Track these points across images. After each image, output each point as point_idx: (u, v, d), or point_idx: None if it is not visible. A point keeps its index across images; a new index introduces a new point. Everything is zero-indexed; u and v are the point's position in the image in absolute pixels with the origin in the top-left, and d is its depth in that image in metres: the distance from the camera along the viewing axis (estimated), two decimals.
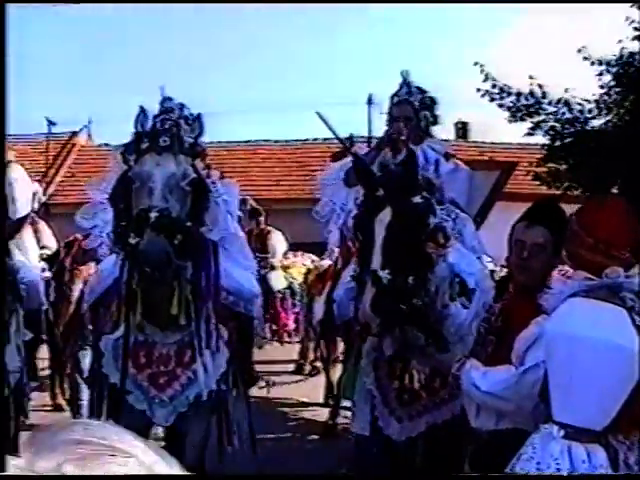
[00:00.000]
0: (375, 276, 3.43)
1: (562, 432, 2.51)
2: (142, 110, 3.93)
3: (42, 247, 6.52)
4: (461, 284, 3.97)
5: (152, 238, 3.50)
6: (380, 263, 3.46)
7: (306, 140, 16.62)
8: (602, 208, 2.95)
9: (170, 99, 4.64)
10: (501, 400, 2.97)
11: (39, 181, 8.62)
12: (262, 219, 10.31)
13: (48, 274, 6.13)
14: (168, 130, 3.90)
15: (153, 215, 3.56)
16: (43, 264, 6.19)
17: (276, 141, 19.04)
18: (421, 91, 4.60)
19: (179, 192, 3.71)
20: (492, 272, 10.02)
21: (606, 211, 2.88)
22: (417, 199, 3.65)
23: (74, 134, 19.17)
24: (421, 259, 3.62)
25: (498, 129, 18.21)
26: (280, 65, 35.02)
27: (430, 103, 4.61)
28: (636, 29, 7.88)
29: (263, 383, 4.96)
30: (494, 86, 8.35)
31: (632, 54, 8.11)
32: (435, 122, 4.66)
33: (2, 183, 3.67)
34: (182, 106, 4.63)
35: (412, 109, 4.55)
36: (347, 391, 4.77)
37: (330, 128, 4.18)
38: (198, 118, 4.12)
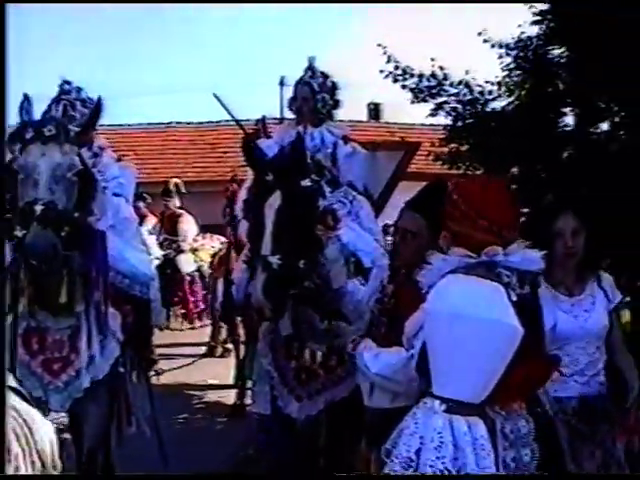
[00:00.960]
0: (265, 262, 3.48)
1: (444, 406, 2.58)
2: (26, 98, 3.88)
3: None
4: (357, 263, 4.05)
5: (38, 231, 3.49)
6: (270, 248, 3.51)
7: (219, 122, 16.49)
8: (488, 189, 3.03)
9: (68, 82, 4.61)
10: (390, 382, 3.06)
11: None
12: (174, 201, 10.25)
13: None
14: (53, 119, 3.87)
15: (38, 208, 3.54)
16: None
17: (188, 123, 18.88)
18: (324, 75, 4.67)
19: (65, 183, 3.69)
20: None
21: (494, 192, 2.96)
22: (306, 182, 3.71)
23: None
24: (311, 242, 3.69)
25: (411, 110, 18.44)
26: (195, 48, 34.64)
27: (331, 87, 4.67)
28: (535, 14, 8.06)
29: (160, 366, 4.98)
30: (397, 67, 8.44)
31: (531, 38, 8.30)
32: (336, 106, 4.73)
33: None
34: (79, 89, 4.61)
35: (310, 90, 4.61)
36: (248, 372, 4.82)
37: (227, 110, 4.20)
38: (98, 101, 4.09)
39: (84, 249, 3.84)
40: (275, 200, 3.60)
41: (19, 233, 3.54)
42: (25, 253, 3.55)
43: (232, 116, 4.24)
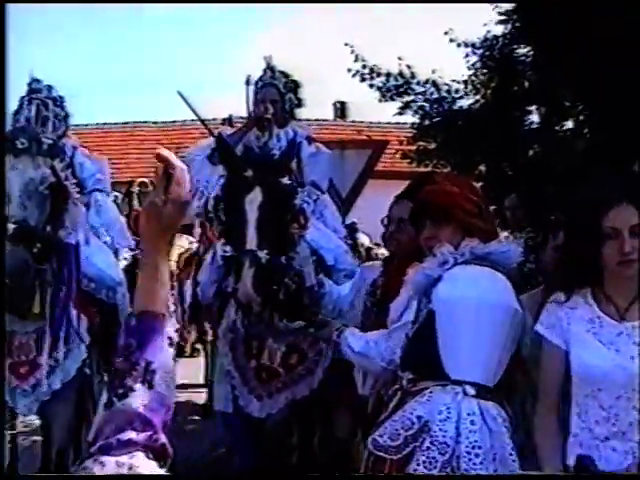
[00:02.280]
0: (254, 256, 3.48)
1: (472, 390, 2.53)
2: None
3: None
4: (319, 261, 4.07)
5: (10, 249, 3.51)
6: (256, 243, 3.51)
7: (184, 121, 16.40)
8: (459, 181, 3.09)
9: (38, 80, 4.55)
10: (371, 360, 3.06)
11: None
12: (135, 201, 10.16)
13: None
14: (25, 130, 3.84)
15: (10, 227, 3.54)
16: None
17: (154, 122, 18.75)
18: (285, 75, 4.65)
19: (38, 197, 3.69)
20: (368, 249, 10.32)
21: (467, 183, 3.07)
22: (285, 180, 3.72)
23: None
24: (287, 239, 3.71)
25: (376, 108, 18.50)
26: (161, 47, 34.46)
27: (294, 86, 4.67)
28: (500, 14, 8.16)
29: None
30: (364, 66, 8.50)
31: (496, 37, 8.40)
32: (299, 105, 4.72)
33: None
34: (50, 87, 4.55)
35: (277, 92, 4.59)
36: (210, 372, 4.82)
37: (191, 108, 4.16)
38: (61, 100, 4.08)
39: (55, 262, 3.85)
40: (256, 196, 3.60)
41: None
42: None
43: (197, 114, 4.20)
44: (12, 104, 4.09)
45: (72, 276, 3.91)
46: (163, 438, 1.36)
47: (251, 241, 3.53)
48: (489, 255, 2.74)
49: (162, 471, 1.35)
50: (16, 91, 4.06)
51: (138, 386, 1.36)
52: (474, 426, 2.48)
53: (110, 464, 1.28)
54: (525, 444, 2.58)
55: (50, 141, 3.87)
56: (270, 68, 4.64)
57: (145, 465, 1.31)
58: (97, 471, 1.27)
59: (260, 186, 3.62)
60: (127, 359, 1.39)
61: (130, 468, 1.28)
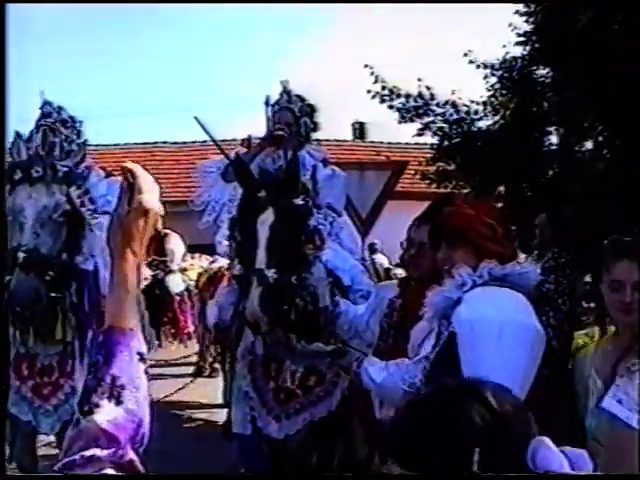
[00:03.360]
0: (261, 275, 3.50)
1: None
2: (18, 136, 3.89)
3: None
4: (335, 282, 4.07)
5: (21, 278, 3.55)
6: (265, 262, 3.54)
7: (204, 142, 16.50)
8: (489, 207, 3.09)
9: (49, 103, 4.56)
10: (394, 385, 3.06)
11: None
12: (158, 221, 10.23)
13: None
14: (41, 158, 3.86)
15: (21, 255, 3.58)
16: None
17: (173, 143, 18.88)
18: (301, 99, 4.69)
19: (51, 225, 3.72)
20: (387, 270, 10.33)
21: (493, 209, 3.06)
22: (298, 201, 3.75)
23: None
24: (300, 260, 3.72)
25: (396, 129, 18.58)
26: (180, 67, 34.75)
27: (310, 110, 4.70)
28: (519, 35, 8.20)
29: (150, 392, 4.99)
30: (384, 87, 8.55)
31: (515, 58, 8.44)
32: (315, 129, 4.75)
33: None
34: (60, 109, 4.54)
35: (292, 116, 4.63)
36: (228, 394, 4.81)
37: (207, 132, 4.21)
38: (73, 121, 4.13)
39: (74, 288, 3.86)
40: (268, 216, 3.63)
41: (6, 278, 3.57)
42: (9, 299, 3.56)
43: (213, 139, 4.25)
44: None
45: (92, 301, 3.91)
46: (130, 454, 1.33)
47: (260, 260, 3.55)
48: (507, 277, 2.74)
49: None
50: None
51: (104, 402, 1.33)
52: None
53: None
54: None
55: (66, 168, 3.88)
56: (286, 92, 4.68)
57: None
58: None
59: (273, 207, 3.65)
60: (94, 376, 1.36)
61: None
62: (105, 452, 1.30)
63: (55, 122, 4.05)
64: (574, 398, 2.64)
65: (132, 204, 1.47)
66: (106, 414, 1.32)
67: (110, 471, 1.29)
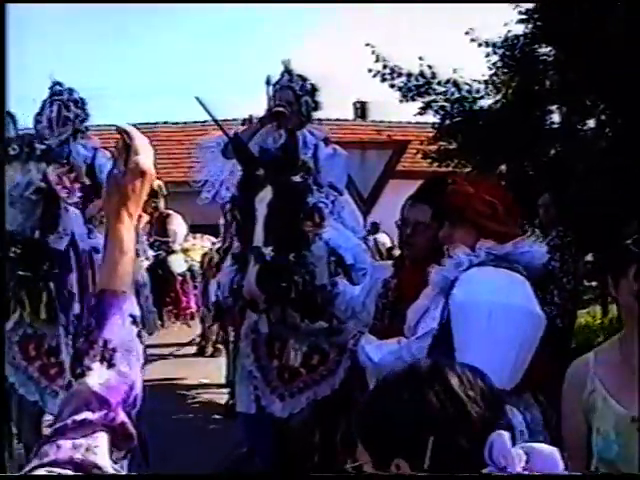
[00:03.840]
0: (258, 253, 3.51)
1: None
2: (9, 115, 3.91)
3: None
4: (338, 260, 4.08)
5: None
6: (262, 240, 3.55)
7: (205, 122, 16.45)
8: (492, 185, 3.06)
9: (60, 84, 4.63)
10: (402, 361, 3.06)
11: None
12: (161, 202, 10.24)
13: None
14: (19, 137, 3.88)
15: None
16: None
17: (175, 123, 18.84)
18: (302, 78, 4.68)
19: (22, 202, 3.71)
20: (389, 249, 10.33)
21: (496, 188, 3.03)
22: (297, 178, 3.75)
23: None
24: (299, 237, 3.74)
25: (397, 108, 18.49)
26: (180, 48, 34.61)
27: (311, 89, 4.69)
28: (520, 12, 8.14)
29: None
30: (385, 67, 8.51)
31: (517, 37, 8.39)
32: (316, 108, 4.74)
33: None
34: (71, 90, 4.63)
35: (293, 94, 4.62)
36: (232, 372, 4.83)
37: (208, 112, 4.21)
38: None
39: (45, 267, 3.85)
40: (266, 194, 3.65)
41: None
42: None
43: (214, 118, 4.25)
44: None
45: (63, 280, 3.91)
46: (122, 416, 1.31)
47: (258, 238, 3.56)
48: (507, 256, 2.73)
49: (122, 452, 1.32)
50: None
51: (96, 365, 1.32)
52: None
53: (65, 446, 1.25)
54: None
55: (44, 146, 3.90)
56: (288, 71, 4.68)
57: (105, 445, 1.27)
58: (52, 454, 1.23)
59: (271, 184, 3.66)
60: (86, 339, 1.35)
61: (87, 449, 1.25)
62: (96, 415, 1.29)
63: (69, 100, 4.09)
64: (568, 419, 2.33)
65: (128, 165, 1.46)
66: (98, 377, 1.32)
67: (103, 435, 1.29)
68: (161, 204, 10.15)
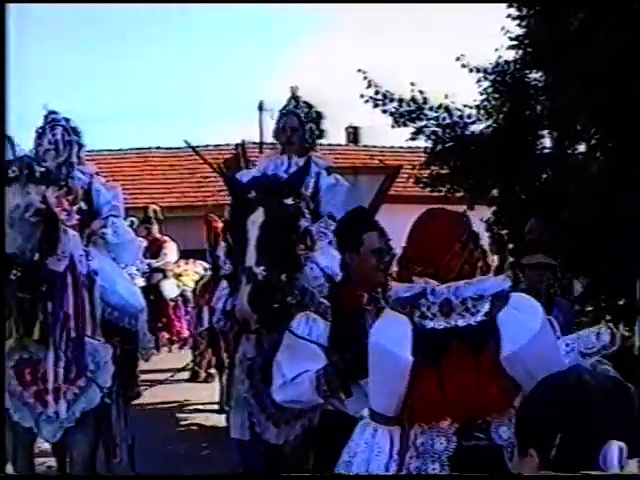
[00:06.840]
0: (250, 273, 3.52)
1: (368, 416, 2.83)
2: (8, 139, 3.95)
3: None
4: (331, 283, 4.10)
5: None
6: (255, 260, 3.56)
7: (197, 147, 16.51)
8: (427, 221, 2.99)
9: (55, 112, 4.68)
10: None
11: None
12: (155, 227, 10.26)
13: None
14: (19, 159, 3.91)
15: None
16: None
17: (168, 148, 18.88)
18: (308, 105, 4.75)
19: (22, 224, 3.70)
20: None
21: (432, 223, 2.88)
22: (288, 201, 3.78)
23: None
24: (292, 260, 3.75)
25: (389, 133, 18.61)
26: (172, 72, 34.74)
27: (316, 117, 4.75)
28: (511, 39, 8.22)
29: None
30: (377, 92, 8.57)
31: (508, 62, 8.46)
32: (321, 135, 4.81)
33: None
34: (67, 119, 4.71)
35: (298, 121, 4.69)
36: (226, 398, 4.84)
37: (199, 155, 4.34)
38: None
39: (43, 290, 3.83)
40: (258, 217, 3.66)
41: None
42: None
43: (210, 165, 4.32)
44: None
45: (61, 303, 3.90)
46: None
47: (249, 258, 3.57)
48: (404, 299, 2.78)
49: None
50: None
51: None
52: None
53: None
54: None
55: (43, 169, 3.89)
56: (294, 97, 4.75)
57: None
58: None
59: (263, 207, 3.68)
60: None
61: None
62: None
63: (65, 129, 4.15)
64: None
65: None
66: None
67: None
68: (155, 228, 10.17)
